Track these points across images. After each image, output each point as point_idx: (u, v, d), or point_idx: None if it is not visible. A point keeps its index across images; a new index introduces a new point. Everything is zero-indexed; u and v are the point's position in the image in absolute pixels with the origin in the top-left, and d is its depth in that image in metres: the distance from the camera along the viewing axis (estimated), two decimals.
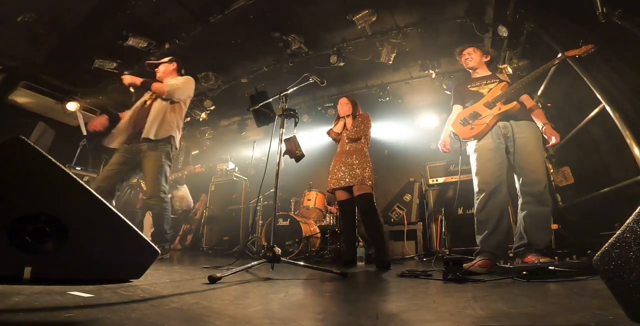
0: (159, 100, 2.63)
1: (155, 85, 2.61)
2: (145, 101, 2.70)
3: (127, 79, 2.64)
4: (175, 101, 2.66)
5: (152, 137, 2.51)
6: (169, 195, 5.00)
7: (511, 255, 2.21)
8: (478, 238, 2.11)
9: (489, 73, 2.45)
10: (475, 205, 2.16)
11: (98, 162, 4.95)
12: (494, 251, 2.00)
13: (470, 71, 2.51)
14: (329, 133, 3.07)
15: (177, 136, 2.71)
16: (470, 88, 2.40)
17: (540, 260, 1.74)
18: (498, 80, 2.34)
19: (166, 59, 2.84)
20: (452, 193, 3.65)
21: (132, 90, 2.76)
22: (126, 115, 2.69)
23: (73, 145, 3.89)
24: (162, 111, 2.60)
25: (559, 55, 2.13)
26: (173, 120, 2.65)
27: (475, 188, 2.19)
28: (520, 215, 2.07)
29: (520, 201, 2.11)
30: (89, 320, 0.68)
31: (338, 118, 3.11)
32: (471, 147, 2.31)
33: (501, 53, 3.32)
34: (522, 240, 2.02)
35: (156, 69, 2.81)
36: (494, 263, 1.92)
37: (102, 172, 2.59)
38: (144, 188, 4.62)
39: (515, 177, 2.17)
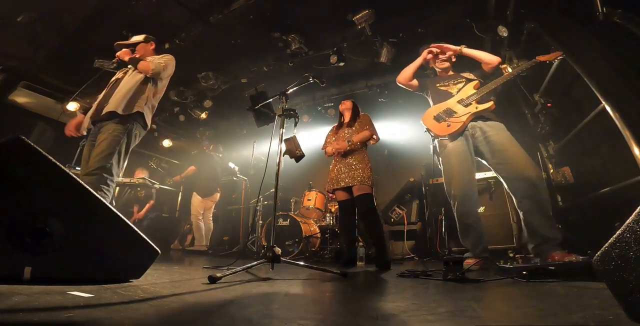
0: (133, 74, 2.39)
1: (142, 64, 2.38)
2: (117, 79, 2.44)
3: (121, 52, 2.46)
4: (158, 79, 2.43)
5: (117, 110, 2.17)
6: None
7: (532, 255, 2.17)
8: (465, 244, 2.14)
9: (453, 73, 2.54)
10: (455, 211, 2.15)
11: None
12: (484, 255, 2.05)
13: (439, 70, 2.59)
14: (324, 149, 3.07)
15: (148, 115, 2.38)
16: (440, 88, 2.45)
17: (568, 259, 1.65)
18: (465, 79, 2.40)
19: (140, 38, 2.58)
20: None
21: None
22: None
23: (73, 145, 3.89)
24: (135, 85, 2.33)
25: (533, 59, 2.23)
26: (145, 96, 2.35)
27: (450, 194, 2.17)
28: (521, 215, 2.01)
29: (515, 201, 2.04)
30: (89, 320, 0.68)
31: (338, 119, 3.14)
32: (439, 148, 2.31)
33: (501, 53, 3.32)
34: (537, 239, 1.90)
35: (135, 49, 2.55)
36: (485, 262, 1.97)
37: (81, 169, 2.23)
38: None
39: (499, 176, 2.11)
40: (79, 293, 0.95)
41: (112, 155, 2.10)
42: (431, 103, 2.50)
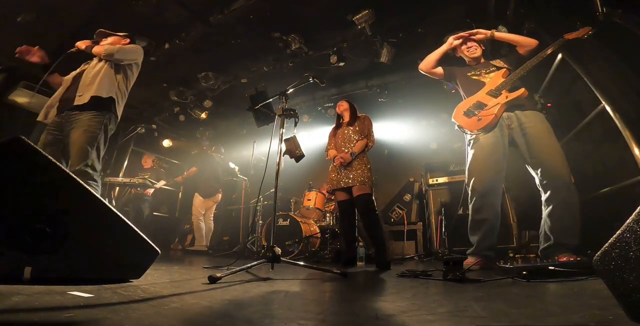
0: (98, 64, 2.33)
1: (96, 47, 2.32)
2: (83, 70, 2.37)
3: (80, 42, 2.39)
4: (117, 62, 2.34)
5: (87, 97, 2.15)
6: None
7: (532, 255, 2.15)
8: (473, 238, 2.08)
9: (484, 61, 2.40)
10: (471, 205, 2.09)
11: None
12: (488, 253, 2.01)
13: (468, 59, 2.44)
14: (327, 151, 3.10)
15: (120, 102, 2.34)
16: (472, 77, 2.32)
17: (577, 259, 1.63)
18: (496, 67, 2.28)
19: (121, 34, 2.53)
20: (451, 193, 3.65)
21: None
22: (61, 84, 2.39)
23: None
24: (101, 71, 2.28)
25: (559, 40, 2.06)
26: (114, 82, 2.30)
27: (470, 187, 2.10)
28: (545, 212, 1.92)
29: (543, 197, 1.94)
30: (89, 320, 0.68)
31: (336, 121, 3.17)
32: (469, 139, 2.19)
33: (501, 52, 3.32)
34: (549, 241, 1.86)
35: (104, 39, 2.47)
36: (486, 262, 1.93)
37: None
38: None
39: (531, 170, 2.03)
40: (79, 293, 0.95)
41: (92, 152, 2.11)
42: (462, 93, 2.38)
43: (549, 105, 2.82)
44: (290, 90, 2.19)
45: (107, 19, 3.39)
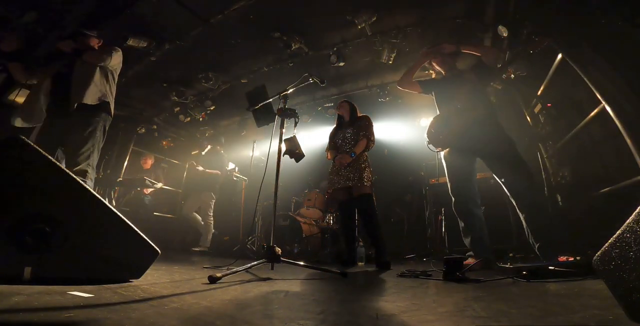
0: (84, 66, 2.35)
1: (88, 53, 2.38)
2: (65, 72, 2.37)
3: (63, 44, 2.40)
4: (106, 67, 2.41)
5: (84, 101, 2.21)
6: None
7: (532, 255, 2.21)
8: (466, 241, 2.20)
9: (457, 72, 2.50)
10: (454, 210, 2.24)
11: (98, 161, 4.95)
12: (485, 255, 2.06)
13: (442, 72, 2.56)
14: (327, 152, 3.11)
15: (112, 104, 2.45)
16: (444, 89, 2.45)
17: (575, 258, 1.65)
18: (465, 81, 2.36)
19: (93, 34, 2.54)
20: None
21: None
22: (39, 83, 2.37)
23: None
24: (91, 75, 2.32)
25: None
26: (105, 85, 2.40)
27: (451, 195, 2.27)
28: (521, 217, 2.06)
29: (514, 203, 2.09)
30: (89, 320, 0.68)
31: (337, 121, 3.16)
32: (441, 154, 2.41)
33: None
34: (538, 243, 1.96)
35: (83, 40, 2.47)
36: (484, 262, 1.98)
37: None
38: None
39: (497, 178, 2.17)
40: (79, 293, 0.95)
41: (94, 152, 2.26)
42: (436, 106, 2.51)
43: (549, 105, 2.82)
44: (290, 90, 2.19)
45: (107, 19, 3.40)
